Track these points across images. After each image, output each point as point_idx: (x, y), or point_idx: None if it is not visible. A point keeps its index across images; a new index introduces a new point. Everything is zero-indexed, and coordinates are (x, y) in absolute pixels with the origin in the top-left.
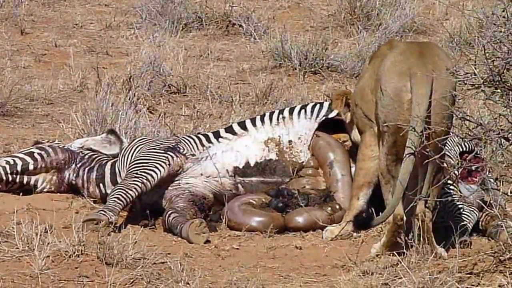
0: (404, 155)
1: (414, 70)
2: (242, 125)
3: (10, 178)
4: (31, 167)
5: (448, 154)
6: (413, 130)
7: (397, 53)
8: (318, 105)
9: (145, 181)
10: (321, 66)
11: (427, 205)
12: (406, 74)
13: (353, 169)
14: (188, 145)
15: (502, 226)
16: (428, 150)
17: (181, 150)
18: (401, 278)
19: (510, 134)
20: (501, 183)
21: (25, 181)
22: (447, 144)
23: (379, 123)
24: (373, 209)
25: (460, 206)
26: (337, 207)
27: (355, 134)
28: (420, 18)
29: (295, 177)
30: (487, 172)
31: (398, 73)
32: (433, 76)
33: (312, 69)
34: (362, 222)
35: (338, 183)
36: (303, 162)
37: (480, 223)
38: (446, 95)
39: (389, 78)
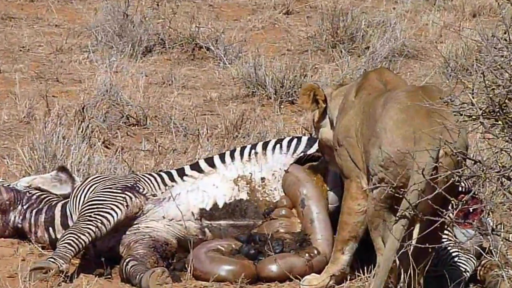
0: (398, 214)
1: (419, 135)
2: (210, 161)
3: None
4: None
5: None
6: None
7: (400, 110)
8: (295, 140)
9: (99, 224)
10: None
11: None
12: (410, 139)
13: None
14: (149, 184)
15: (502, 276)
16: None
17: (141, 190)
18: None
19: None
20: (502, 227)
21: None
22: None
23: (372, 175)
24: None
25: (455, 253)
26: (315, 252)
27: (326, 152)
28: (411, 41)
29: (267, 220)
30: (486, 215)
31: (402, 137)
32: (441, 139)
33: (289, 98)
34: None
35: (313, 223)
36: (277, 201)
37: (478, 272)
38: (456, 158)
39: (392, 142)
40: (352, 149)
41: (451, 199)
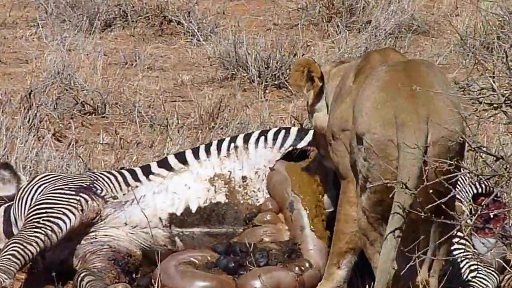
0: (391, 214)
1: (402, 118)
2: (181, 157)
3: None
4: None
5: (458, 197)
6: (404, 187)
7: (379, 87)
8: (283, 132)
9: (49, 232)
10: (288, 78)
11: (431, 272)
12: (391, 124)
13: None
14: (108, 185)
15: None
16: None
17: (98, 191)
18: None
19: None
20: None
21: None
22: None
23: (357, 175)
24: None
25: (474, 266)
26: (307, 265)
27: (321, 143)
28: (422, 13)
29: (250, 227)
30: (510, 221)
31: (381, 120)
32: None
33: (276, 82)
34: None
35: (304, 230)
36: (261, 205)
37: None
38: (451, 145)
39: (369, 127)
40: (353, 144)
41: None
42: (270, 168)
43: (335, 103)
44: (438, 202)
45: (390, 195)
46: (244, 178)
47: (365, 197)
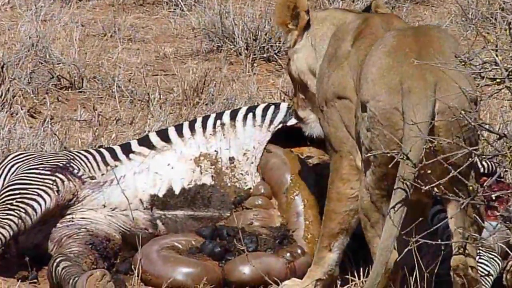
0: (394, 188)
1: (408, 85)
2: (163, 135)
3: None
4: None
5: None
6: (405, 159)
7: (386, 53)
8: (272, 107)
9: (23, 215)
10: (278, 50)
11: (466, 251)
12: (397, 91)
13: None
14: (86, 164)
15: None
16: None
17: (75, 171)
18: None
19: None
20: None
21: None
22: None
23: (361, 148)
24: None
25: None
26: (299, 251)
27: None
28: None
29: (238, 210)
30: None
31: (386, 87)
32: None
33: (265, 55)
34: None
35: (299, 217)
36: (250, 188)
37: (504, 276)
38: (458, 117)
39: (374, 94)
40: (348, 113)
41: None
42: (265, 150)
43: (329, 66)
44: (450, 176)
45: (393, 167)
46: (231, 159)
47: (369, 172)
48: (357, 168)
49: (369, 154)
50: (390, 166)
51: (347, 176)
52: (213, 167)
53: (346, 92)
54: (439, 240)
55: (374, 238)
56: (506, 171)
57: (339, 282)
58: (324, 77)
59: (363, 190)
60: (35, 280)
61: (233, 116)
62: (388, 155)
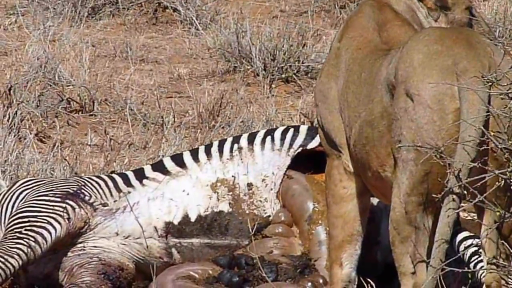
0: (444, 193)
1: (464, 65)
2: (178, 160)
3: None
4: None
5: None
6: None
7: (431, 41)
8: (291, 130)
9: (33, 244)
10: (297, 71)
11: (499, 268)
12: (451, 72)
13: None
14: (97, 190)
15: None
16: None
17: (87, 198)
18: None
19: None
20: None
21: None
22: None
23: (395, 146)
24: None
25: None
26: (321, 281)
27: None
28: None
29: (257, 238)
30: None
31: (439, 69)
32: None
33: (283, 75)
34: None
35: (321, 246)
36: (269, 216)
37: None
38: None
39: (424, 77)
40: (330, 115)
41: None
42: (286, 176)
43: (326, 63)
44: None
45: (438, 161)
46: (249, 185)
47: (406, 175)
48: (345, 167)
49: (409, 146)
50: (441, 162)
51: (338, 176)
52: (230, 193)
53: (330, 92)
54: (466, 268)
55: (403, 256)
56: None
57: None
58: (317, 80)
59: (396, 200)
60: None
61: (250, 140)
62: (441, 148)
